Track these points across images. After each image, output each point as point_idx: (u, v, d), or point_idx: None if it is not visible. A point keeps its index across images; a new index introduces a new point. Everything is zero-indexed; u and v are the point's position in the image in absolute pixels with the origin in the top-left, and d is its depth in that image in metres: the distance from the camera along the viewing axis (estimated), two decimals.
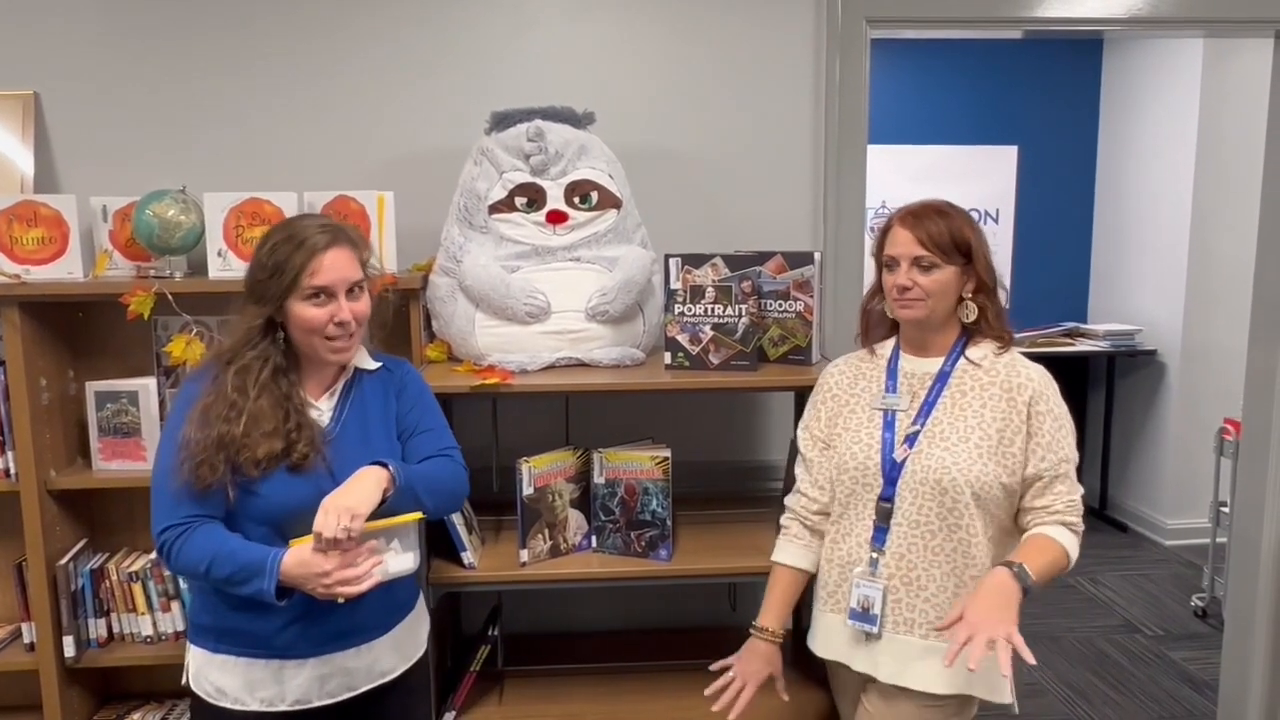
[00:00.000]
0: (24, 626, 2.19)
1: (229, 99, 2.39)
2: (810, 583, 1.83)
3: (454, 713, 2.13)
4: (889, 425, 1.69)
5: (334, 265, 1.57)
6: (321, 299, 1.56)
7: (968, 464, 1.59)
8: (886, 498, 1.65)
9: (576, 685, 2.28)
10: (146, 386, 2.18)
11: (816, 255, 2.12)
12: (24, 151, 2.31)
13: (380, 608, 1.65)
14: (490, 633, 2.26)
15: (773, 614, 1.79)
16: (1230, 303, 4.34)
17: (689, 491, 2.28)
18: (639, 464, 2.07)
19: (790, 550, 1.82)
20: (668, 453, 2.06)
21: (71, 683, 2.22)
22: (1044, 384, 1.64)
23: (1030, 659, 1.43)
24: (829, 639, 1.75)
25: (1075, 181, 5.21)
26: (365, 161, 2.41)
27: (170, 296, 2.05)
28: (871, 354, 1.80)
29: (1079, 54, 5.10)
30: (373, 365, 1.73)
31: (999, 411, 1.62)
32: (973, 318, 1.66)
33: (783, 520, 1.86)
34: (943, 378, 1.68)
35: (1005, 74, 5.11)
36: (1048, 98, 5.14)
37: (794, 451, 1.91)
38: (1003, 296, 1.70)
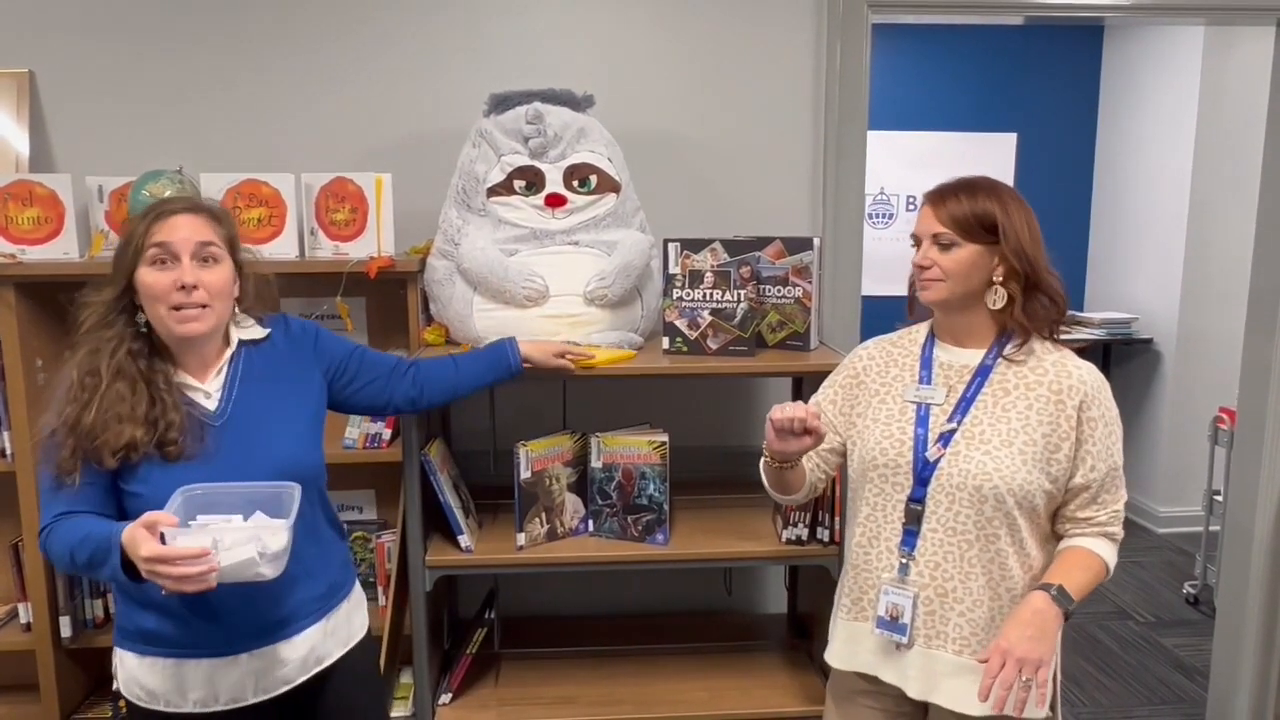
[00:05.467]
0: (20, 607, 2.20)
1: (226, 79, 2.37)
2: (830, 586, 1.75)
3: (450, 695, 2.15)
4: (922, 420, 1.57)
5: (178, 226, 1.46)
6: (166, 263, 1.44)
7: (1011, 471, 1.48)
8: (917, 499, 1.54)
9: (572, 668, 2.29)
10: None
11: (815, 241, 2.12)
12: (19, 131, 2.29)
13: (314, 595, 1.57)
14: (487, 615, 2.27)
15: None
16: (1227, 292, 4.34)
17: (686, 476, 2.28)
18: (636, 448, 2.07)
19: None
20: (665, 437, 2.06)
21: (68, 663, 2.22)
22: (1096, 385, 1.52)
23: (1041, 710, 1.40)
24: (854, 650, 1.63)
25: (1073, 169, 5.21)
26: (363, 143, 2.40)
27: None
28: (901, 337, 1.69)
29: (1079, 41, 5.09)
30: (259, 334, 1.59)
31: (1046, 415, 1.50)
32: (998, 305, 1.53)
33: None
34: (983, 372, 1.56)
35: (1005, 60, 5.09)
36: (1047, 85, 5.12)
37: None
38: (1054, 288, 1.53)
